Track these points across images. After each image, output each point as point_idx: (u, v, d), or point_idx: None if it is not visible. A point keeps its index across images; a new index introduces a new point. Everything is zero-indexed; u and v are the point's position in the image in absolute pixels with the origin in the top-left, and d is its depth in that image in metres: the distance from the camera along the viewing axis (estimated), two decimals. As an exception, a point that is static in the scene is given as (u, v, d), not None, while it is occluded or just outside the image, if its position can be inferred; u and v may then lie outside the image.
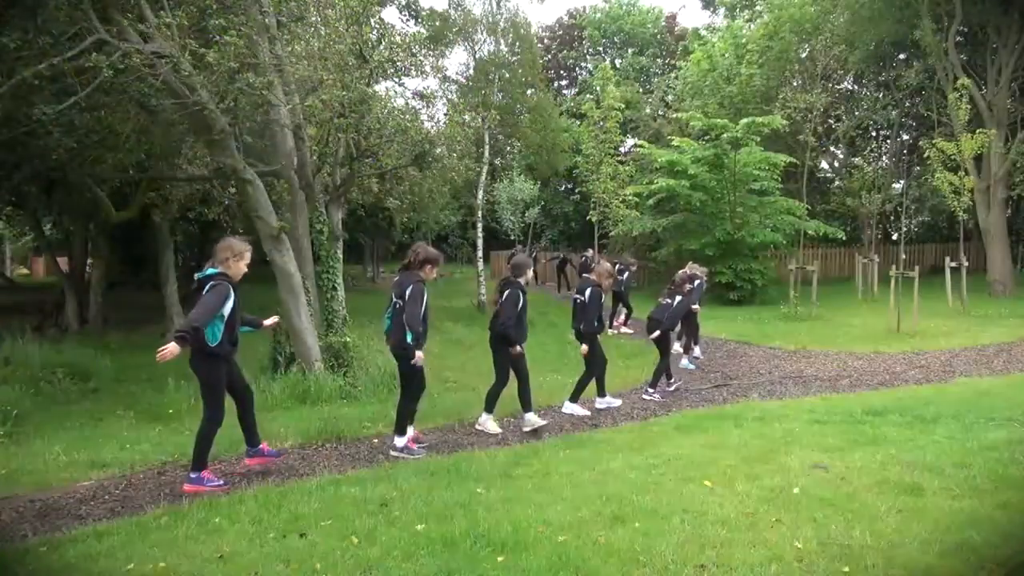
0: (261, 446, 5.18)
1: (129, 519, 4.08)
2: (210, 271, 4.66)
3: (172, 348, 4.19)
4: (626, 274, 13.43)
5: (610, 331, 12.77)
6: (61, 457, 5.48)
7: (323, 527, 3.79)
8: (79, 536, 3.79)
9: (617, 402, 7.33)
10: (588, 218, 12.75)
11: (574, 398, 7.05)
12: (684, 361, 9.92)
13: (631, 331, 13.23)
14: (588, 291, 6.95)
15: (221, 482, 4.74)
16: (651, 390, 7.74)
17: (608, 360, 7.42)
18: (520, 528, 3.63)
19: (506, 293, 6.09)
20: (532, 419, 6.37)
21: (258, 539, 3.66)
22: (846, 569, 3.05)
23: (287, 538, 3.67)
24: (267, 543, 3.61)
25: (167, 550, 3.54)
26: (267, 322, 5.40)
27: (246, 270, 4.84)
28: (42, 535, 3.91)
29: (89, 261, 15.90)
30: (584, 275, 7.13)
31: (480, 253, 19.46)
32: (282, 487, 4.58)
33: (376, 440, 5.98)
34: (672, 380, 8.20)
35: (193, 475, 4.70)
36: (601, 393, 7.28)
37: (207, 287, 4.57)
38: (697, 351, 10.37)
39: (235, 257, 4.72)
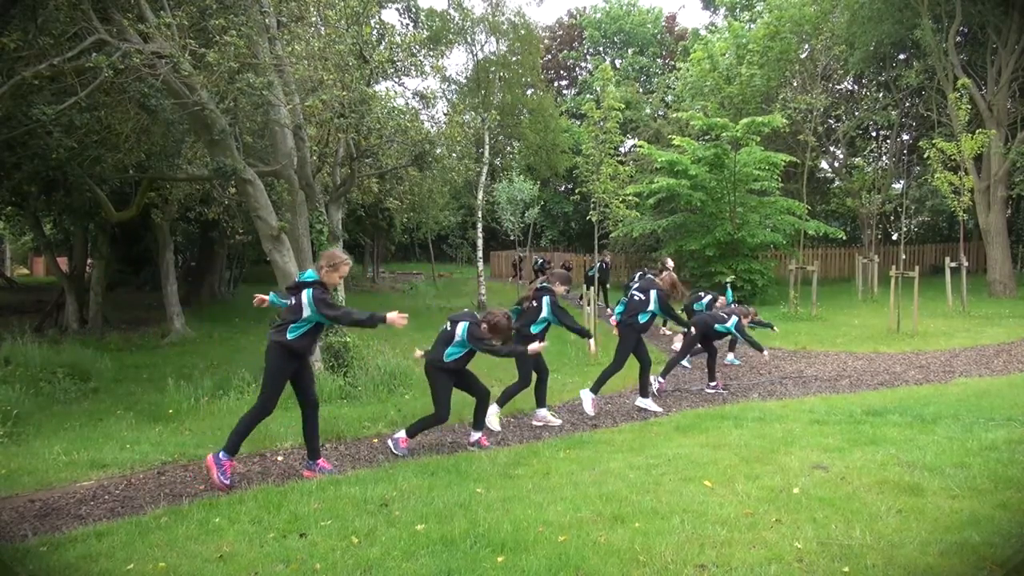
0: (319, 461, 5.12)
1: (129, 519, 4.07)
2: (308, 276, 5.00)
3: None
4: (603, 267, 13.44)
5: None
6: (61, 457, 5.48)
7: (323, 527, 3.79)
8: (79, 536, 3.78)
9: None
10: (588, 218, 12.76)
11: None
12: (730, 356, 10.01)
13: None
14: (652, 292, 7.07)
15: (228, 481, 4.73)
16: (661, 379, 7.87)
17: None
18: (520, 528, 3.62)
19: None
20: (544, 414, 6.66)
21: (258, 539, 3.66)
22: (846, 569, 3.05)
23: (287, 538, 3.67)
24: (267, 543, 3.61)
25: (167, 550, 3.54)
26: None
27: (339, 281, 5.15)
28: (42, 535, 3.91)
29: (89, 261, 15.90)
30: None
31: (480, 253, 19.48)
32: (282, 487, 4.57)
33: (376, 440, 5.99)
34: (714, 384, 8.14)
35: (222, 455, 4.74)
36: (647, 393, 7.33)
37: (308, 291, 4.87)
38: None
39: (330, 268, 5.01)
